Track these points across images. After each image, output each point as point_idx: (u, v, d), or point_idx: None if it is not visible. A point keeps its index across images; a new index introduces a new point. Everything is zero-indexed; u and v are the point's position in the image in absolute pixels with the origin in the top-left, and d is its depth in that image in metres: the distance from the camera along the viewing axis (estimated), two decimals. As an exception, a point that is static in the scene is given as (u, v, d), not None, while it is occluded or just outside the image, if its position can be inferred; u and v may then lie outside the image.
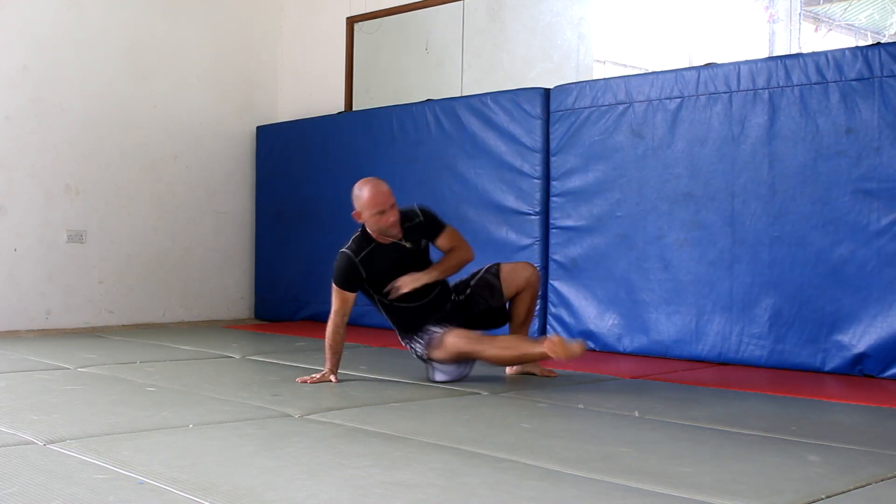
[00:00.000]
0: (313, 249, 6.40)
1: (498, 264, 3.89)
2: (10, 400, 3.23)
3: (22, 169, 5.83)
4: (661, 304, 4.62)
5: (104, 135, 6.20)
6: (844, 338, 4.06)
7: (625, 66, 6.88)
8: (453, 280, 3.89)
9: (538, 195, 5.11)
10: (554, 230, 5.05)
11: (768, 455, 2.48)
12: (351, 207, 3.73)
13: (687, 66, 4.87)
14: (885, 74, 3.95)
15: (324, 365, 3.75)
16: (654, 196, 4.66)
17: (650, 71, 5.09)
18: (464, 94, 5.85)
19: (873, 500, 2.06)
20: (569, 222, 4.99)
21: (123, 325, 6.26)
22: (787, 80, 4.23)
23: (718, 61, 4.53)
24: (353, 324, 5.01)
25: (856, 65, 4.03)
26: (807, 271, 4.17)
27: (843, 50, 4.11)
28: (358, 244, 3.68)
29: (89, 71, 6.13)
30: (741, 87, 4.37)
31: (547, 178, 5.09)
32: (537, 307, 4.59)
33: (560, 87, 5.09)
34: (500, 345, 3.58)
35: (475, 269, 3.92)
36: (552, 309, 5.05)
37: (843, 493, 2.09)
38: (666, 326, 4.60)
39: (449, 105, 5.62)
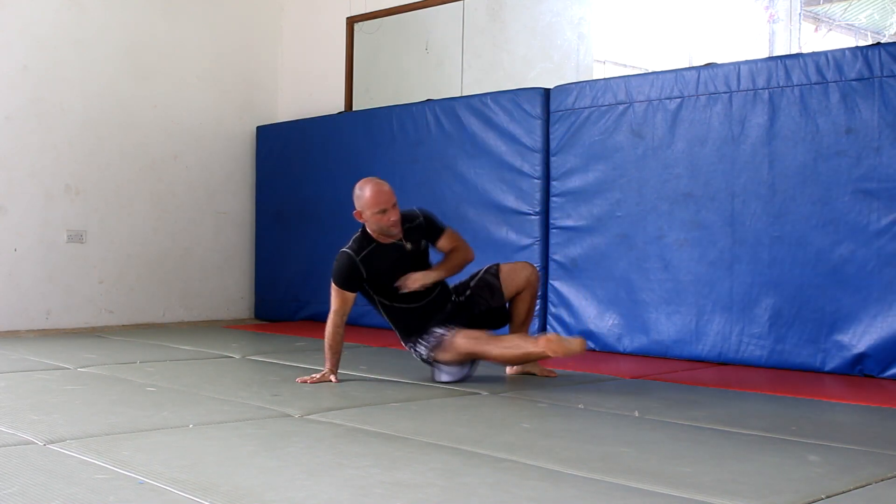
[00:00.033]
0: (313, 249, 6.40)
1: (497, 265, 3.90)
2: (10, 400, 3.23)
3: (22, 169, 5.83)
4: (661, 304, 4.62)
5: (104, 135, 6.20)
6: (844, 338, 4.06)
7: (625, 66, 6.88)
8: (453, 281, 3.89)
9: (538, 195, 5.11)
10: (554, 230, 5.05)
11: (768, 455, 2.48)
12: (351, 207, 3.74)
13: (687, 66, 4.87)
14: (885, 74, 3.95)
15: (324, 365, 3.75)
16: (654, 196, 4.66)
17: (650, 71, 5.09)
18: (464, 94, 5.85)
19: (873, 500, 2.06)
20: (569, 222, 4.99)
21: (123, 325, 6.26)
22: (787, 80, 4.23)
23: (718, 61, 4.53)
24: (353, 324, 5.02)
25: (856, 65, 4.03)
26: (807, 271, 4.17)
27: (843, 50, 4.11)
28: (359, 244, 3.69)
29: (89, 71, 6.13)
30: (741, 87, 4.37)
31: (547, 178, 5.09)
32: (537, 307, 4.60)
33: (560, 87, 5.09)
34: (504, 344, 3.58)
35: (475, 271, 3.92)
36: (552, 309, 5.05)
37: (843, 493, 2.09)
38: (666, 326, 4.60)
39: (449, 105, 5.63)
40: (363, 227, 3.72)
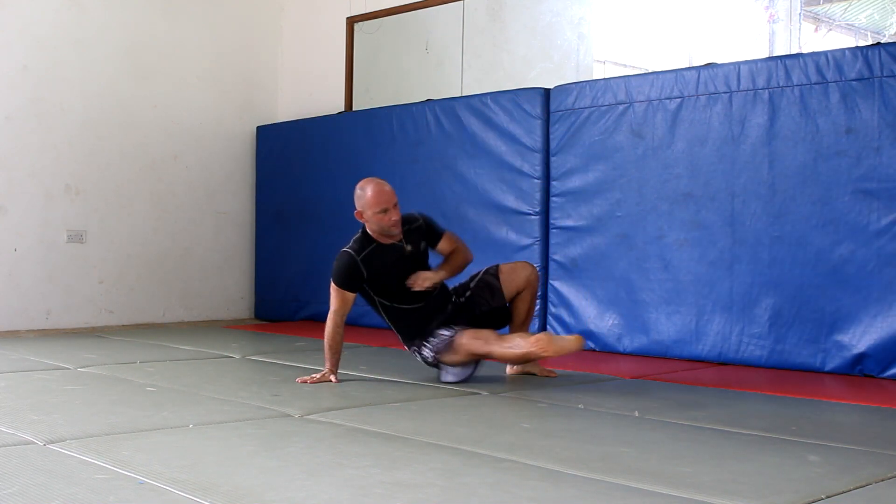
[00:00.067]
0: (313, 249, 6.40)
1: (497, 265, 3.91)
2: (10, 400, 3.23)
3: (22, 169, 5.83)
4: (661, 304, 4.62)
5: (104, 135, 6.20)
6: (844, 338, 4.06)
7: (625, 66, 6.89)
8: (453, 283, 3.90)
9: (538, 195, 5.11)
10: (554, 230, 5.05)
11: (768, 455, 2.48)
12: (352, 207, 3.74)
13: (687, 66, 4.87)
14: (885, 74, 3.95)
15: (323, 365, 3.76)
16: (654, 196, 4.66)
17: (650, 71, 5.09)
18: (464, 94, 5.85)
19: (873, 500, 2.06)
20: (569, 222, 4.99)
21: (123, 325, 6.26)
22: (787, 80, 4.23)
23: (718, 61, 4.53)
24: (353, 324, 5.03)
25: (856, 65, 4.03)
26: (807, 271, 4.17)
27: (843, 50, 4.11)
28: (360, 244, 3.69)
29: (89, 71, 6.13)
30: (741, 87, 4.37)
31: (547, 178, 5.10)
32: (537, 307, 4.61)
33: (560, 87, 5.10)
34: (506, 344, 3.58)
35: (474, 272, 3.93)
36: (552, 309, 5.05)
37: (843, 493, 2.09)
38: (666, 326, 4.60)
39: (449, 105, 5.63)
40: (363, 227, 3.73)
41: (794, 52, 5.40)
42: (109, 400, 3.26)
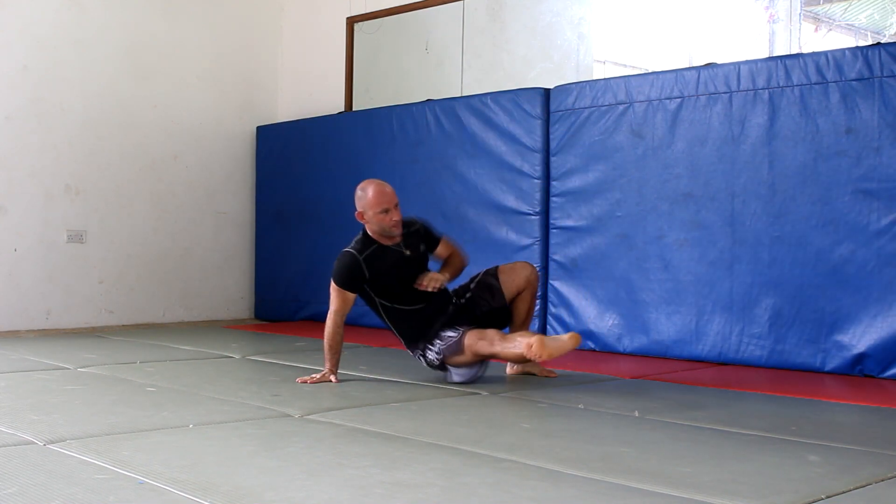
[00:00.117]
0: (313, 249, 6.40)
1: (496, 266, 3.92)
2: (10, 400, 3.23)
3: (22, 169, 5.83)
4: (661, 304, 4.62)
5: (104, 135, 6.20)
6: (844, 338, 4.05)
7: (625, 66, 6.89)
8: (452, 285, 3.91)
9: (538, 195, 5.11)
10: (554, 230, 5.05)
11: (768, 455, 2.48)
12: (352, 207, 3.75)
13: (687, 66, 4.87)
14: (885, 74, 3.95)
15: (323, 365, 3.76)
16: (654, 196, 4.66)
17: (650, 71, 5.09)
18: (464, 94, 5.85)
19: (873, 500, 2.06)
20: (569, 222, 4.99)
21: (123, 325, 6.26)
22: (787, 80, 4.23)
23: (718, 61, 4.53)
24: (353, 324, 5.02)
25: (856, 65, 4.03)
26: (807, 271, 4.17)
27: (843, 50, 4.11)
28: (361, 244, 3.71)
29: (89, 71, 6.13)
30: (741, 87, 4.37)
31: (547, 178, 5.09)
32: (537, 307, 4.61)
33: (560, 87, 5.09)
34: (509, 344, 3.58)
35: (473, 274, 3.94)
36: (552, 309, 5.05)
37: (843, 493, 2.09)
38: (666, 326, 4.60)
39: (449, 105, 5.63)
40: (364, 229, 3.75)
41: (794, 52, 5.40)
42: (109, 400, 3.26)
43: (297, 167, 6.61)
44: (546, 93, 5.13)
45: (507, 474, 2.23)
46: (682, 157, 4.57)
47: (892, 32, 6.76)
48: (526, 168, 5.16)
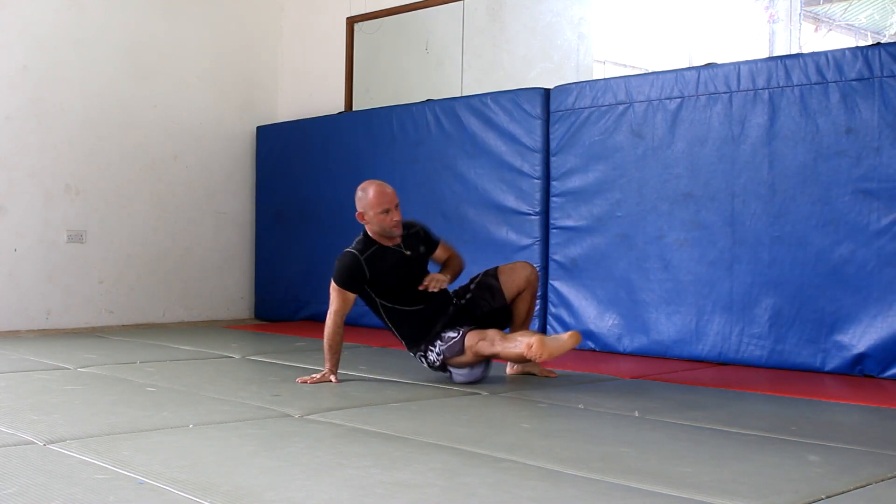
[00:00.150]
0: (313, 249, 6.40)
1: (496, 267, 3.93)
2: (10, 400, 3.23)
3: (22, 169, 5.83)
4: (661, 304, 4.62)
5: (104, 135, 6.20)
6: (844, 338, 4.05)
7: (625, 66, 6.89)
8: (452, 286, 3.92)
9: (538, 195, 5.11)
10: (554, 230, 5.05)
11: (768, 455, 2.48)
12: (352, 208, 3.75)
13: (687, 66, 4.87)
14: (885, 74, 3.95)
15: (323, 365, 3.76)
16: (654, 196, 4.66)
17: (650, 71, 5.09)
18: (464, 94, 5.85)
19: (873, 500, 2.06)
20: (569, 222, 4.99)
21: (123, 325, 6.26)
22: (787, 80, 4.23)
23: (718, 61, 4.53)
24: (353, 324, 5.02)
25: (856, 65, 4.03)
26: (807, 271, 4.17)
27: (843, 50, 4.11)
28: (363, 245, 3.72)
29: (89, 71, 6.13)
30: (741, 87, 4.37)
31: (547, 178, 5.09)
32: (537, 307, 4.61)
33: (560, 87, 5.09)
34: (510, 343, 3.58)
35: (473, 275, 3.95)
36: (552, 309, 5.05)
37: (843, 493, 2.09)
38: (666, 326, 4.60)
39: (449, 105, 5.63)
40: (364, 230, 3.75)
41: (794, 52, 5.40)
42: (109, 400, 3.26)
43: (297, 167, 6.61)
44: (546, 93, 5.13)
45: (507, 474, 2.23)
46: (682, 157, 4.57)
47: (892, 32, 6.76)
48: (526, 168, 5.16)
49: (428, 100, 5.79)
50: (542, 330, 5.05)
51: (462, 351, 3.60)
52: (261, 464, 2.31)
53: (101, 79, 6.18)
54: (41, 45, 5.92)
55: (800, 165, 4.19)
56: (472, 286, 3.90)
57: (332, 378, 3.69)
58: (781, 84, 4.25)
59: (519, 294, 3.85)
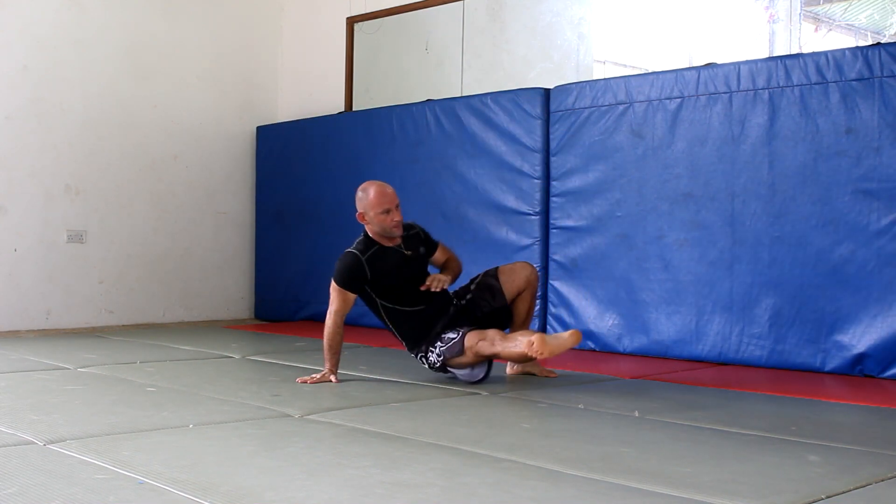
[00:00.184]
0: (313, 249, 6.40)
1: (496, 267, 3.93)
2: (10, 400, 3.23)
3: (22, 169, 5.83)
4: (661, 304, 4.62)
5: (104, 135, 6.20)
6: (844, 338, 4.05)
7: (625, 66, 6.88)
8: (453, 287, 3.92)
9: (538, 195, 5.11)
10: (554, 230, 5.05)
11: (768, 455, 2.48)
12: (352, 208, 3.75)
13: (687, 66, 4.87)
14: (885, 74, 3.95)
15: (323, 365, 3.76)
16: (654, 196, 4.66)
17: (650, 71, 5.09)
18: (464, 94, 5.85)
19: (873, 500, 2.06)
20: (569, 222, 4.99)
21: (123, 325, 6.26)
22: (787, 80, 4.23)
23: (718, 61, 4.53)
24: (353, 324, 5.03)
25: (856, 65, 4.03)
26: (807, 271, 4.17)
27: (843, 50, 4.11)
28: (364, 245, 3.72)
29: (89, 71, 6.13)
30: (741, 87, 4.37)
31: (547, 178, 5.09)
32: (537, 307, 4.61)
33: (560, 87, 5.09)
34: (510, 343, 3.58)
35: (473, 276, 3.95)
36: (552, 309, 5.05)
37: (843, 493, 2.09)
38: (666, 326, 4.60)
39: (449, 105, 5.63)
40: (364, 230, 3.76)
41: (794, 52, 5.40)
42: (109, 400, 3.26)
43: (297, 167, 6.61)
44: (546, 93, 5.13)
45: (507, 474, 2.23)
46: (682, 157, 4.57)
47: (892, 32, 6.76)
48: (526, 168, 5.16)
49: (428, 100, 5.79)
50: (542, 330, 5.04)
51: (462, 351, 3.61)
52: (261, 464, 2.31)
53: (101, 79, 6.18)
54: (41, 45, 5.92)
55: (800, 165, 4.19)
56: (472, 287, 3.90)
57: (332, 378, 3.69)
58: (781, 84, 4.25)
59: (519, 294, 3.85)
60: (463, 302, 3.86)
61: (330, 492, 2.06)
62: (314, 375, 3.72)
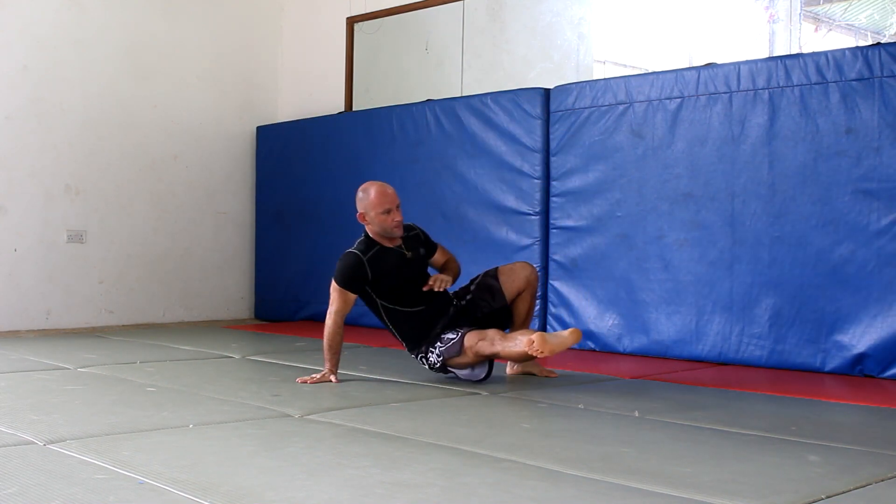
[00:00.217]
0: (313, 249, 6.40)
1: (496, 268, 3.93)
2: (10, 400, 3.23)
3: (22, 169, 5.83)
4: (661, 304, 4.62)
5: (104, 135, 6.20)
6: (844, 338, 4.05)
7: (625, 66, 6.88)
8: (452, 288, 3.92)
9: (538, 195, 5.11)
10: (554, 230, 5.05)
11: (768, 455, 2.48)
12: (352, 208, 3.75)
13: (687, 66, 4.87)
14: (885, 74, 3.95)
15: (323, 365, 3.76)
16: (654, 196, 4.66)
17: (650, 71, 5.09)
18: (464, 94, 5.85)
19: (873, 500, 2.06)
20: (569, 222, 4.99)
21: (123, 325, 6.26)
22: (787, 80, 4.23)
23: (718, 61, 4.53)
24: (353, 324, 5.03)
25: (856, 65, 4.03)
26: (807, 271, 4.17)
27: (843, 50, 4.11)
28: (365, 245, 3.73)
29: (89, 71, 6.13)
30: (741, 87, 4.37)
31: (547, 178, 5.10)
32: (537, 307, 4.61)
33: (560, 87, 5.09)
34: (510, 343, 3.58)
35: (473, 276, 3.95)
36: (552, 309, 5.05)
37: (843, 493, 2.09)
38: (666, 326, 4.60)
39: (449, 105, 5.63)
40: (365, 231, 3.76)
41: (794, 52, 5.40)
42: (109, 400, 3.26)
43: (297, 167, 6.61)
44: (546, 93, 5.13)
45: (507, 474, 2.23)
46: (682, 157, 4.57)
47: (892, 32, 6.76)
48: (526, 168, 5.16)
49: (428, 100, 5.79)
50: (542, 330, 5.04)
51: (461, 351, 3.61)
52: (261, 464, 2.31)
53: (101, 79, 6.18)
54: (41, 45, 5.92)
55: (800, 165, 4.19)
56: (472, 287, 3.90)
57: (332, 378, 3.69)
58: (781, 84, 4.25)
59: (519, 294, 3.85)
60: (463, 302, 3.86)
61: (330, 492, 2.06)
62: (314, 375, 3.72)
